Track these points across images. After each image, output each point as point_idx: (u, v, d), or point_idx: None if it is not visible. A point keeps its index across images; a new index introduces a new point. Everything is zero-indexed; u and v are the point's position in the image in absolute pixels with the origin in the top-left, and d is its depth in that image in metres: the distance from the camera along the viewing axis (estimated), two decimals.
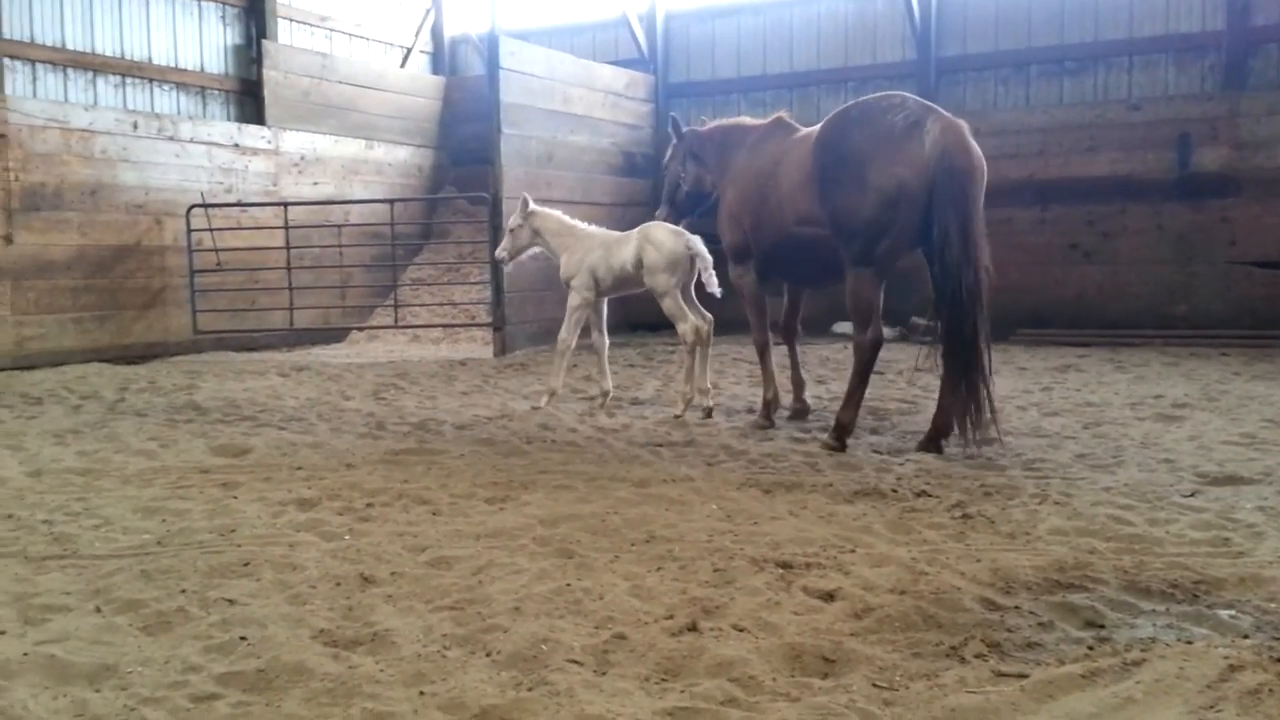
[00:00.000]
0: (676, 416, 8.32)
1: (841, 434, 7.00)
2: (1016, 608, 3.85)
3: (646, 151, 17.03)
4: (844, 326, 14.74)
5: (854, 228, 6.76)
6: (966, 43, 15.37)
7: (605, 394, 8.99)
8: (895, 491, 5.68)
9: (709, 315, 8.59)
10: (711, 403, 8.52)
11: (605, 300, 9.08)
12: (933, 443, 6.85)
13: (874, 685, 3.22)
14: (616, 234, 9.04)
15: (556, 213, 9.14)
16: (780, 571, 4.30)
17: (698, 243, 8.42)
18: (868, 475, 6.14)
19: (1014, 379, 10.28)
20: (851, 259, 6.85)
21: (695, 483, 6.02)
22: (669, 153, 9.08)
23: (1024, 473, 6.13)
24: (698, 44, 17.47)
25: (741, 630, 3.68)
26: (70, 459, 6.94)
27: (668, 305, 8.50)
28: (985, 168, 6.79)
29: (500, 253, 9.24)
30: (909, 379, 10.31)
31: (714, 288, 8.27)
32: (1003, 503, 5.41)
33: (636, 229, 8.81)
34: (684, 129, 8.86)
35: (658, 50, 17.56)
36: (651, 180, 17.03)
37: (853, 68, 16.18)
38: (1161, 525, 4.94)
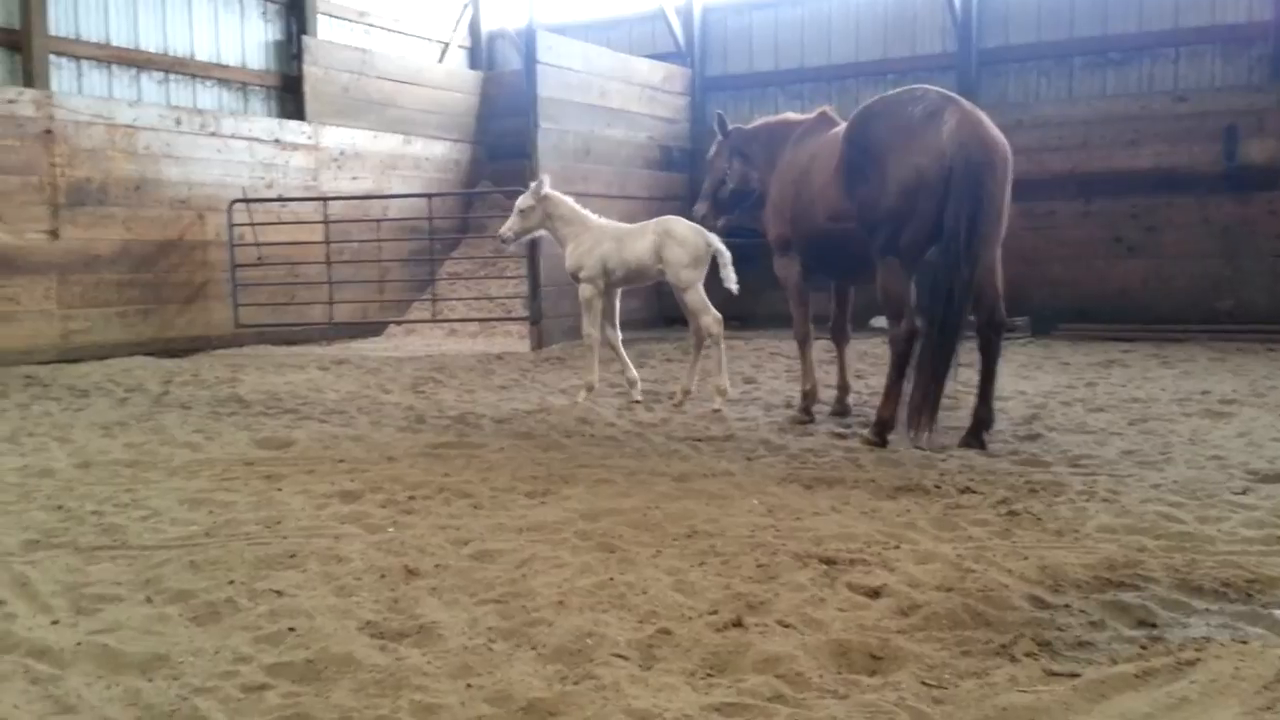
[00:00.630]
0: (715, 410, 8.32)
1: (882, 429, 6.96)
2: (1066, 606, 3.80)
3: (683, 145, 17.01)
4: (881, 321, 14.65)
5: (877, 218, 6.80)
6: (1008, 33, 15.22)
7: (632, 383, 8.99)
8: (939, 488, 5.63)
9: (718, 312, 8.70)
10: (682, 399, 8.68)
11: (618, 291, 9.07)
12: (974, 437, 6.79)
13: (923, 683, 3.20)
14: (626, 226, 9.05)
15: (569, 199, 9.10)
16: (824, 567, 4.27)
17: (717, 239, 8.52)
18: (910, 471, 6.10)
19: (1057, 374, 10.19)
20: (877, 250, 6.87)
21: (735, 478, 6.00)
22: (713, 149, 9.02)
23: (1070, 469, 6.06)
24: (735, 37, 17.41)
25: (787, 626, 3.66)
26: (118, 451, 7.03)
27: (691, 299, 8.55)
28: (1009, 158, 6.73)
29: (506, 232, 9.10)
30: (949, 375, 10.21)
31: (732, 284, 8.35)
32: (1049, 500, 5.35)
33: (652, 222, 8.86)
34: (729, 126, 8.82)
35: (694, 43, 17.52)
36: (689, 174, 17.00)
37: (892, 60, 16.07)
38: (1212, 523, 4.87)
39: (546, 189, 8.98)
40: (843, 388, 8.34)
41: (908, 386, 6.73)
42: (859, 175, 6.93)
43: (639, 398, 8.87)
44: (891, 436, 6.99)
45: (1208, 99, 13.64)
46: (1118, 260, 13.98)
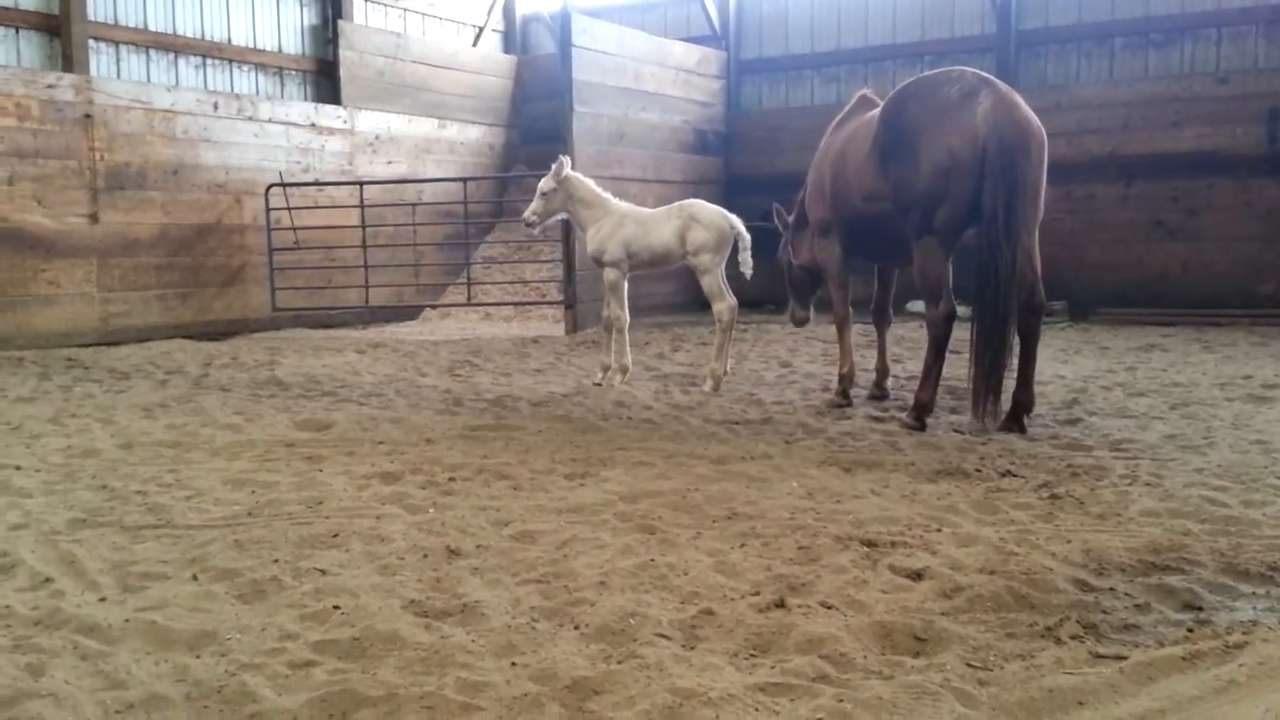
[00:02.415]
0: (705, 391, 8.49)
1: (921, 413, 6.92)
2: (1111, 589, 3.78)
3: (718, 129, 16.95)
4: (917, 305, 14.56)
5: (911, 199, 6.81)
6: (1048, 14, 15.03)
7: (624, 369, 9.02)
8: (979, 471, 5.61)
9: (734, 300, 8.71)
10: (710, 386, 8.59)
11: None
12: (1014, 421, 6.74)
13: (968, 665, 3.18)
14: (647, 210, 9.04)
15: (590, 182, 9.06)
16: (865, 550, 4.27)
17: (739, 222, 8.60)
18: (950, 455, 6.07)
19: (1096, 358, 10.10)
20: (914, 231, 6.88)
21: (774, 460, 5.99)
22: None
23: (1112, 453, 6.01)
24: (770, 19, 17.31)
25: (830, 608, 3.65)
26: (160, 432, 7.10)
27: (708, 283, 8.60)
28: (1044, 141, 6.72)
29: (531, 216, 9.00)
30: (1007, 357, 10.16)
31: (748, 269, 8.45)
32: (1091, 483, 5.31)
33: (675, 206, 8.85)
34: None
35: (730, 26, 17.43)
36: (723, 158, 16.95)
37: (929, 41, 15.93)
38: (1257, 507, 4.82)
39: (567, 170, 8.95)
40: (881, 371, 8.30)
41: (954, 369, 6.73)
42: (894, 156, 6.93)
43: (623, 381, 8.97)
44: (930, 420, 6.96)
45: (1250, 81, 13.45)
46: (1158, 244, 13.82)
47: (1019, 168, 6.44)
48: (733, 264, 8.64)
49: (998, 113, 6.48)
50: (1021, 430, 6.67)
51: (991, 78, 6.83)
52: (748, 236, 8.54)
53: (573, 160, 13.05)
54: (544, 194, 8.93)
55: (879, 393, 8.21)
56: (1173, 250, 13.75)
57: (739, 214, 8.85)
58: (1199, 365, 9.49)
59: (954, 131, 6.57)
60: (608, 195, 8.99)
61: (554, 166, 8.93)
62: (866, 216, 7.44)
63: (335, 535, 4.61)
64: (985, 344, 6.52)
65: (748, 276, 8.53)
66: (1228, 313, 12.88)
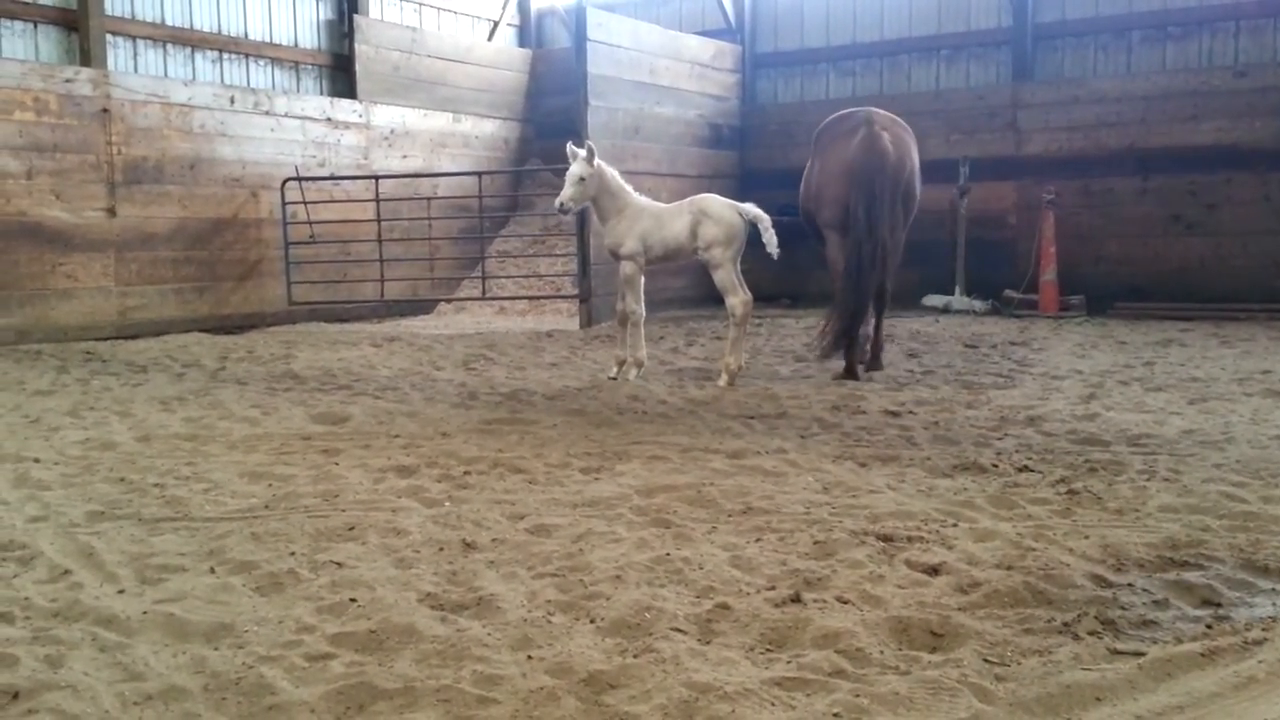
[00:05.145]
0: (720, 386, 8.47)
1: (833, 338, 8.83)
2: (1129, 585, 3.76)
3: (733, 123, 16.92)
4: (934, 299, 14.53)
5: (810, 203, 9.23)
6: (1065, 7, 14.95)
7: (639, 363, 8.99)
8: (996, 466, 5.59)
9: (749, 294, 8.69)
10: (725, 381, 8.56)
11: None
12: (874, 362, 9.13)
13: (985, 660, 3.17)
14: (662, 205, 9.02)
15: (617, 173, 8.99)
16: (882, 544, 4.26)
17: (751, 208, 8.59)
18: (966, 450, 6.05)
19: (1114, 353, 10.05)
20: (819, 229, 9.17)
21: (790, 455, 5.98)
22: None
23: (1129, 449, 5.98)
24: (785, 13, 17.26)
25: (845, 602, 3.65)
26: (177, 425, 7.13)
27: (721, 277, 8.56)
28: (900, 164, 8.67)
29: (567, 202, 8.79)
30: (1003, 353, 10.14)
31: (773, 248, 8.45)
32: (1109, 479, 5.28)
33: (687, 201, 8.83)
34: None
35: (745, 20, 17.40)
36: (738, 152, 16.93)
37: (946, 35, 15.86)
38: (1276, 503, 4.79)
39: (598, 159, 8.87)
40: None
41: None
42: (810, 172, 9.32)
43: (631, 377, 8.94)
44: (945, 415, 6.93)
45: (1269, 74, 13.35)
46: (1176, 238, 13.75)
47: (875, 182, 8.47)
48: (761, 249, 8.53)
49: (864, 143, 8.62)
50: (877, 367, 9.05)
51: (876, 116, 8.88)
52: (766, 217, 8.44)
53: (585, 145, 13.02)
54: (581, 179, 8.73)
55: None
56: (1191, 244, 13.67)
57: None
58: (1217, 360, 9.44)
59: (834, 156, 8.85)
60: (630, 188, 8.97)
61: (584, 150, 8.75)
62: (808, 215, 9.44)
63: (352, 528, 4.63)
64: (844, 306, 8.47)
65: (775, 256, 8.47)
66: (1246, 307, 12.80)
